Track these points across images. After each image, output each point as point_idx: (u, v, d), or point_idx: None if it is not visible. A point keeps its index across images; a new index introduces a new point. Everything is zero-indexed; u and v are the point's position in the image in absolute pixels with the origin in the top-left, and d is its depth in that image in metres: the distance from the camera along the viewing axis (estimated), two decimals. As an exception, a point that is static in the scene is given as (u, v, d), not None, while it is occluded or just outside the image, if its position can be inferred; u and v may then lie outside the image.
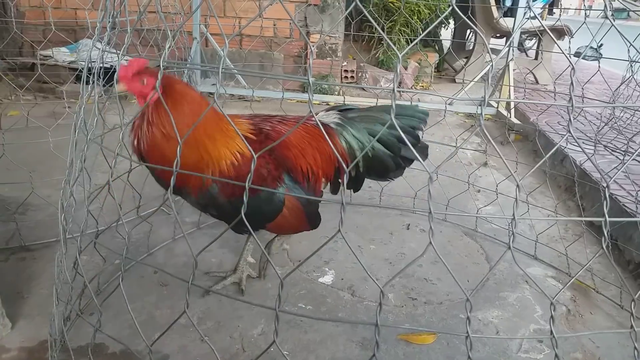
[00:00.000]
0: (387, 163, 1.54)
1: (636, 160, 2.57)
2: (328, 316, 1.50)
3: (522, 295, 1.65)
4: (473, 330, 1.46)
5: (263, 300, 1.54)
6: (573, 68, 0.68)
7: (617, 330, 1.49)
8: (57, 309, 1.23)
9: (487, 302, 1.60)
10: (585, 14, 2.07)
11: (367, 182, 1.62)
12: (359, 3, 0.65)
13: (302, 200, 1.42)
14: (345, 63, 4.49)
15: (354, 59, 4.73)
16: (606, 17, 0.76)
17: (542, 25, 0.69)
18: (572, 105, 0.65)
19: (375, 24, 0.70)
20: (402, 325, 1.47)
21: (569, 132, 0.68)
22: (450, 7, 0.68)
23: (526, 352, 1.39)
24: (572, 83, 0.65)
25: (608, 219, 0.68)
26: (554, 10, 7.13)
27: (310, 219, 1.50)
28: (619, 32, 0.84)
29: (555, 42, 0.81)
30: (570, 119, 0.67)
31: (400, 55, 0.65)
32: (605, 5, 0.75)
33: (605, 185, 0.68)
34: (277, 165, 1.39)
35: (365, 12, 0.73)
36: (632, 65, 2.35)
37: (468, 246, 1.97)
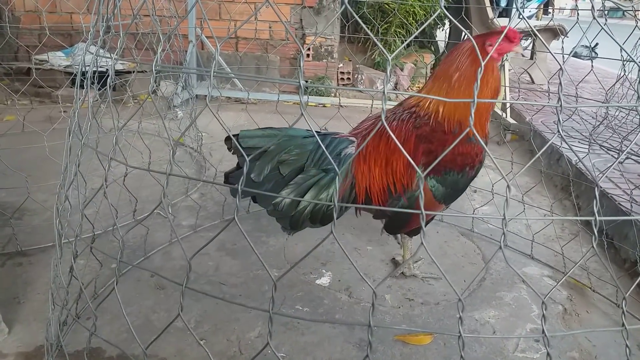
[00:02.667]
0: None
1: (631, 158, 2.58)
2: (325, 318, 1.50)
3: (519, 295, 1.65)
4: (470, 330, 1.47)
5: (260, 303, 1.55)
6: (562, 69, 0.68)
7: (609, 329, 1.49)
8: (53, 314, 1.23)
9: (483, 302, 1.61)
10: (578, 13, 2.08)
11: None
12: (348, 6, 0.66)
13: None
14: (341, 65, 4.50)
15: (350, 60, 4.74)
16: (594, 18, 0.77)
17: (531, 29, 0.70)
18: (560, 106, 0.66)
19: (366, 29, 0.70)
20: (399, 326, 1.48)
21: (559, 131, 0.68)
22: (439, 10, 0.69)
23: (523, 351, 1.39)
24: (560, 83, 0.66)
25: (598, 218, 0.68)
26: (549, 9, 7.14)
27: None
28: (607, 32, 0.84)
29: (544, 44, 0.82)
30: (559, 119, 0.68)
31: (389, 58, 0.66)
32: (592, 7, 0.76)
33: (595, 184, 0.69)
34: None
35: (357, 17, 0.73)
36: (625, 64, 2.36)
37: (465, 246, 1.97)
